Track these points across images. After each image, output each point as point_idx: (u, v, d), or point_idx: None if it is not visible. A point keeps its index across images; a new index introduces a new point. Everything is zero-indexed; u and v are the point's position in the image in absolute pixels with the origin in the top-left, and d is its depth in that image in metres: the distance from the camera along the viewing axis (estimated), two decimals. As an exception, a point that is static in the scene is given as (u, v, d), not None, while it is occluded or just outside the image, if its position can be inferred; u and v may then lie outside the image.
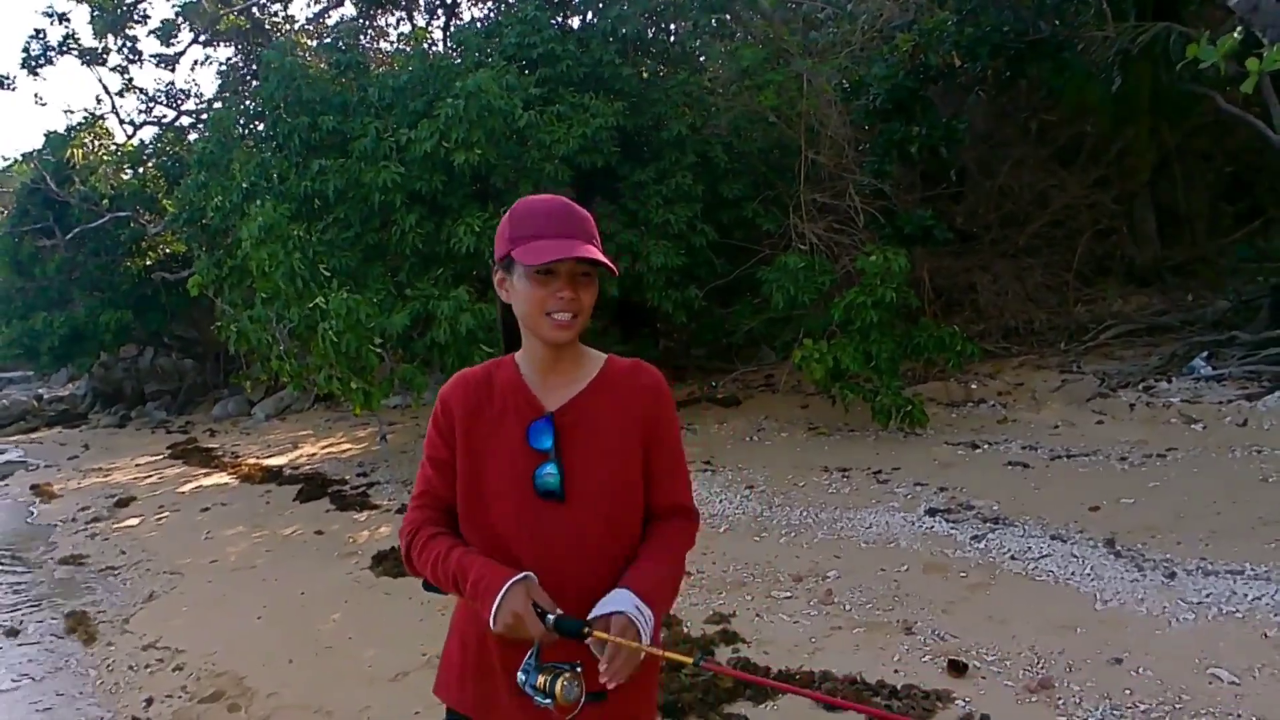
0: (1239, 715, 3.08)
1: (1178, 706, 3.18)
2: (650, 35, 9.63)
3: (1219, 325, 8.62)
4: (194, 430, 12.10)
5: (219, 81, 13.16)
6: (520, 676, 1.59)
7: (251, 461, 9.50)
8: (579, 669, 1.58)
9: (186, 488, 8.67)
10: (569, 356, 1.78)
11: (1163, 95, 9.69)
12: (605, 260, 1.67)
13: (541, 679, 1.56)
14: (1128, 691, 3.31)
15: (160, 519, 7.59)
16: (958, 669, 3.62)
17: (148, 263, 12.58)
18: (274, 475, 8.69)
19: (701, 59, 10.47)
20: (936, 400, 8.13)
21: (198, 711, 4.04)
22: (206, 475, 9.17)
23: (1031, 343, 9.82)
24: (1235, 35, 4.43)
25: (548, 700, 1.56)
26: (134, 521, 7.58)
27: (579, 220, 1.72)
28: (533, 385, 1.77)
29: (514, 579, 1.62)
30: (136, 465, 10.24)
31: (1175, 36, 7.84)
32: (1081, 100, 10.28)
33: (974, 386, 8.62)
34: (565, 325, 1.68)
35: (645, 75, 9.41)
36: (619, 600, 1.63)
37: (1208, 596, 3.99)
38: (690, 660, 1.63)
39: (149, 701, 4.17)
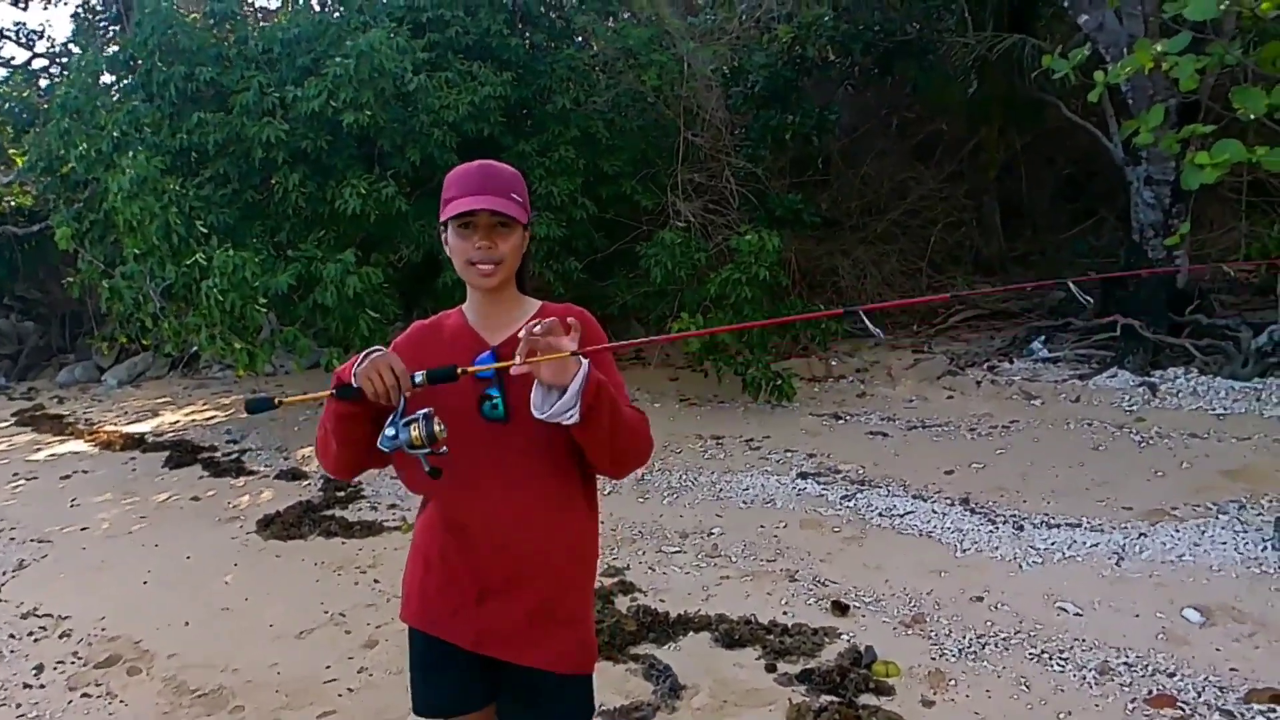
0: (1083, 640, 3.56)
1: (1032, 634, 3.64)
2: (538, 8, 9.61)
3: (1054, 312, 9.25)
4: (39, 397, 11.30)
5: (73, 25, 12.18)
6: (388, 433, 1.74)
7: (110, 429, 9.00)
8: (430, 412, 1.74)
9: (40, 455, 8.14)
10: (505, 301, 1.98)
11: (1013, 100, 10.43)
12: (507, 211, 1.86)
13: (413, 431, 1.72)
14: (989, 623, 3.76)
15: (16, 487, 7.13)
16: (840, 609, 3.99)
17: (-10, 217, 11.58)
18: (137, 442, 8.27)
19: (581, 38, 10.53)
20: (799, 375, 8.46)
21: (94, 676, 3.90)
22: (61, 442, 8.62)
23: (886, 324, 10.45)
24: (1084, 50, 4.96)
25: (421, 449, 1.73)
26: (-14, 489, 7.12)
27: (492, 177, 1.90)
28: (476, 328, 1.98)
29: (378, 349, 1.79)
30: (-23, 431, 9.54)
31: (1029, 47, 8.53)
32: (940, 100, 10.95)
33: (834, 363, 9.07)
34: (487, 273, 1.89)
35: (531, 48, 9.39)
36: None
37: (1052, 545, 4.51)
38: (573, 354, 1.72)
39: (39, 669, 4.00)
